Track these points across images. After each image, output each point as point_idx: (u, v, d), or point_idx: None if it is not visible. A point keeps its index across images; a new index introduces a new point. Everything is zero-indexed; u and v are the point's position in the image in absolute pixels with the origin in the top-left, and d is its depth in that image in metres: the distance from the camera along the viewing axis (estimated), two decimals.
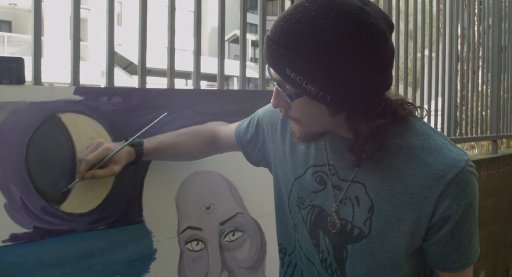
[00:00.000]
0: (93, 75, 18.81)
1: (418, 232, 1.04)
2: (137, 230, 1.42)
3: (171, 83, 1.72)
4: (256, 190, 1.74)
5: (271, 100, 1.07)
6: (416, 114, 1.12)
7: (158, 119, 1.40)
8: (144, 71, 1.67)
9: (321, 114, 1.02)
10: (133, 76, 20.47)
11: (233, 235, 1.65)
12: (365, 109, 0.99)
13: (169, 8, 1.75)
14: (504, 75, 4.84)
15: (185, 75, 19.13)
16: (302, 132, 1.11)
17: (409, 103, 1.11)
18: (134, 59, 20.12)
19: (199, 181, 1.58)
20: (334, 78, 0.92)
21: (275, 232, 1.33)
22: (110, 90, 1.40)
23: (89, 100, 1.35)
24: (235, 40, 24.61)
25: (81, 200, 1.32)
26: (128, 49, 19.70)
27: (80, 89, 1.33)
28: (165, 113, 1.43)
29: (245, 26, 2.05)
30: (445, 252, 1.06)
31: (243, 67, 2.01)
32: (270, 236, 1.75)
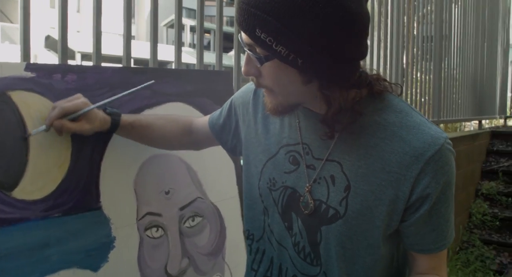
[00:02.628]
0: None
1: (396, 212, 1.02)
2: (94, 217, 1.34)
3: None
4: (215, 174, 1.69)
5: (242, 68, 1.03)
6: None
7: (144, 84, 1.35)
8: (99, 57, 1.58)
9: (294, 81, 0.98)
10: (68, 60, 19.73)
11: (193, 220, 1.59)
12: (338, 77, 0.96)
13: None
14: (444, 63, 5.00)
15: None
16: (274, 104, 1.06)
17: (384, 79, 1.09)
18: (69, 43, 19.42)
19: (158, 165, 1.51)
20: (304, 39, 0.89)
21: (235, 216, 1.29)
22: (64, 67, 1.30)
23: (41, 78, 1.25)
24: (172, 25, 24.25)
25: (34, 186, 1.21)
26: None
27: (31, 65, 1.23)
28: (153, 81, 1.37)
29: (202, 15, 2.00)
30: (422, 233, 1.04)
31: (200, 54, 1.95)
32: (229, 221, 1.71)
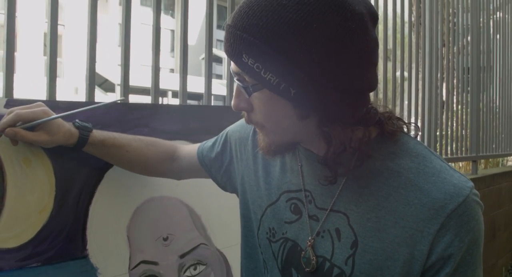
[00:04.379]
0: (67, 91, 18.50)
1: (412, 274, 0.86)
2: (79, 266, 1.22)
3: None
4: (221, 218, 1.56)
5: (232, 102, 0.91)
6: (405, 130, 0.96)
7: (116, 100, 1.25)
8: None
9: (287, 116, 0.85)
10: (108, 93, 20.19)
11: (195, 269, 1.46)
12: (339, 111, 0.83)
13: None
14: (483, 95, 4.78)
15: (162, 93, 18.93)
16: (266, 142, 0.93)
17: (398, 118, 0.94)
18: (109, 76, 19.90)
19: (155, 208, 1.39)
20: (297, 65, 0.77)
21: None
22: (51, 104, 1.20)
23: None
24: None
25: (9, 233, 1.11)
26: (104, 66, 19.44)
27: (12, 102, 1.14)
28: (123, 97, 1.31)
29: (211, 41, 1.91)
30: None
31: (208, 83, 1.84)
32: (237, 270, 1.56)
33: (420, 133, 3.54)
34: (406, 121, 0.97)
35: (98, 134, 1.20)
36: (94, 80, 1.41)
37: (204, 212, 1.51)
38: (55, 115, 1.11)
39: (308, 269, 0.94)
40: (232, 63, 0.86)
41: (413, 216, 0.85)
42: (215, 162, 1.24)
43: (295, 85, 0.79)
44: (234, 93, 0.91)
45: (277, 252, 1.02)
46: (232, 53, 0.82)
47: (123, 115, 1.33)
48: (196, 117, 1.53)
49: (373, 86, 0.86)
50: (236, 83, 0.88)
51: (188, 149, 1.32)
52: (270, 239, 1.03)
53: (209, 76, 1.83)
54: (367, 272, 0.88)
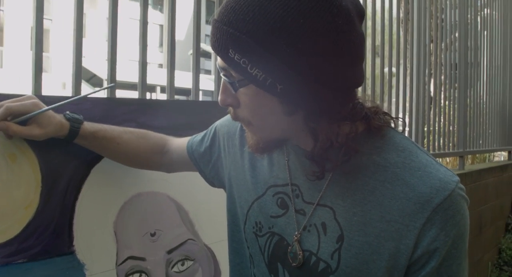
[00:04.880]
0: (54, 86, 18.35)
1: (398, 268, 0.86)
2: (66, 262, 1.21)
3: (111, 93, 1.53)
4: (209, 213, 1.55)
5: (218, 97, 0.91)
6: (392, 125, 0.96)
7: (105, 87, 1.26)
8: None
9: (274, 112, 0.85)
10: (96, 88, 20.03)
11: (183, 264, 1.46)
12: (325, 106, 0.83)
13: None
14: (470, 91, 4.82)
15: (150, 88, 18.86)
16: (255, 140, 0.94)
17: (385, 113, 0.95)
18: (98, 71, 19.76)
19: (143, 204, 1.38)
20: (283, 60, 0.76)
21: None
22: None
23: None
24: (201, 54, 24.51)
25: None
26: (92, 61, 19.31)
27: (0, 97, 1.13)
28: (113, 84, 1.32)
29: (199, 36, 1.90)
30: None
31: (196, 78, 1.83)
32: (225, 265, 1.56)
33: (408, 129, 3.56)
34: (394, 117, 0.97)
35: (89, 126, 1.20)
36: (81, 74, 1.40)
37: (192, 208, 1.51)
38: (46, 107, 1.09)
39: (295, 264, 0.94)
40: (218, 58, 0.85)
41: (399, 210, 0.85)
42: (204, 156, 1.23)
43: (282, 80, 0.79)
44: (220, 89, 0.90)
45: (264, 246, 1.02)
46: (219, 48, 0.82)
47: (110, 110, 1.32)
48: (183, 112, 1.52)
49: (360, 81, 0.86)
50: (222, 78, 0.88)
51: (179, 142, 1.32)
52: (256, 234, 1.03)
53: (197, 71, 1.83)
54: (352, 266, 0.88)
